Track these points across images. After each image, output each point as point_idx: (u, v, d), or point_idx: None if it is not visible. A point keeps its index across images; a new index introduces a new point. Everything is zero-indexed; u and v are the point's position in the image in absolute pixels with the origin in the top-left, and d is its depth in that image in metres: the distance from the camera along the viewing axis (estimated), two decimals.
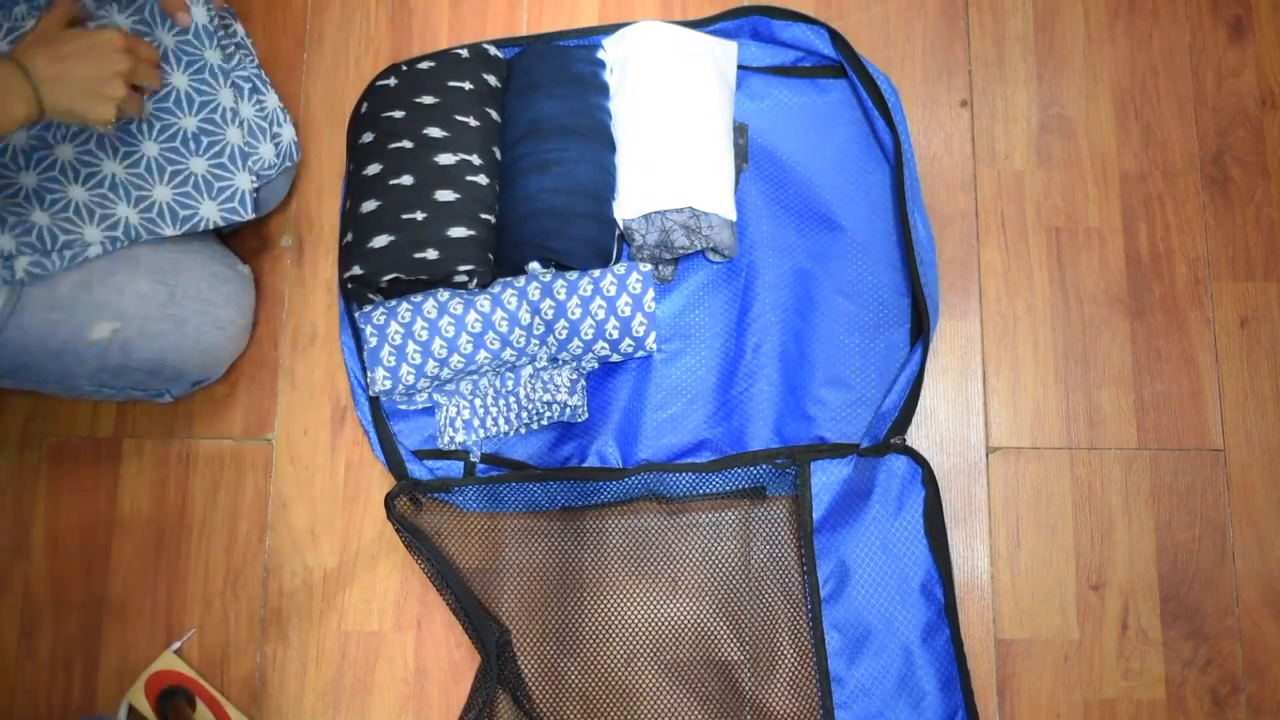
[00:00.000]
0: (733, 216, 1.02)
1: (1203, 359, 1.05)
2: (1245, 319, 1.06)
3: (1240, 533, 1.02)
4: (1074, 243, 1.08)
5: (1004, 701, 0.99)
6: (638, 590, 0.99)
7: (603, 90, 1.06)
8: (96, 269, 0.90)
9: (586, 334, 0.99)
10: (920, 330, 1.02)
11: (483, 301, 0.99)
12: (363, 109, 1.06)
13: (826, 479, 0.96)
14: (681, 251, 1.01)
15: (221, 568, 1.04)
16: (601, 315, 0.99)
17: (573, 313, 0.99)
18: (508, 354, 1.00)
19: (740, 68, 1.09)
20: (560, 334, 0.99)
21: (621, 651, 0.98)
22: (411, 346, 0.98)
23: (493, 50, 1.07)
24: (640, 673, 0.97)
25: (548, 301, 0.99)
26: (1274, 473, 1.03)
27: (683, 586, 1.00)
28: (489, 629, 0.95)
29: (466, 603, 0.95)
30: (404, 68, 1.05)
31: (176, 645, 1.02)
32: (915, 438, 1.04)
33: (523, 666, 0.98)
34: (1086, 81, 1.11)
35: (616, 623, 0.98)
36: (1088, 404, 1.04)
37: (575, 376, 1.01)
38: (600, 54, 1.08)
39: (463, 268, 0.97)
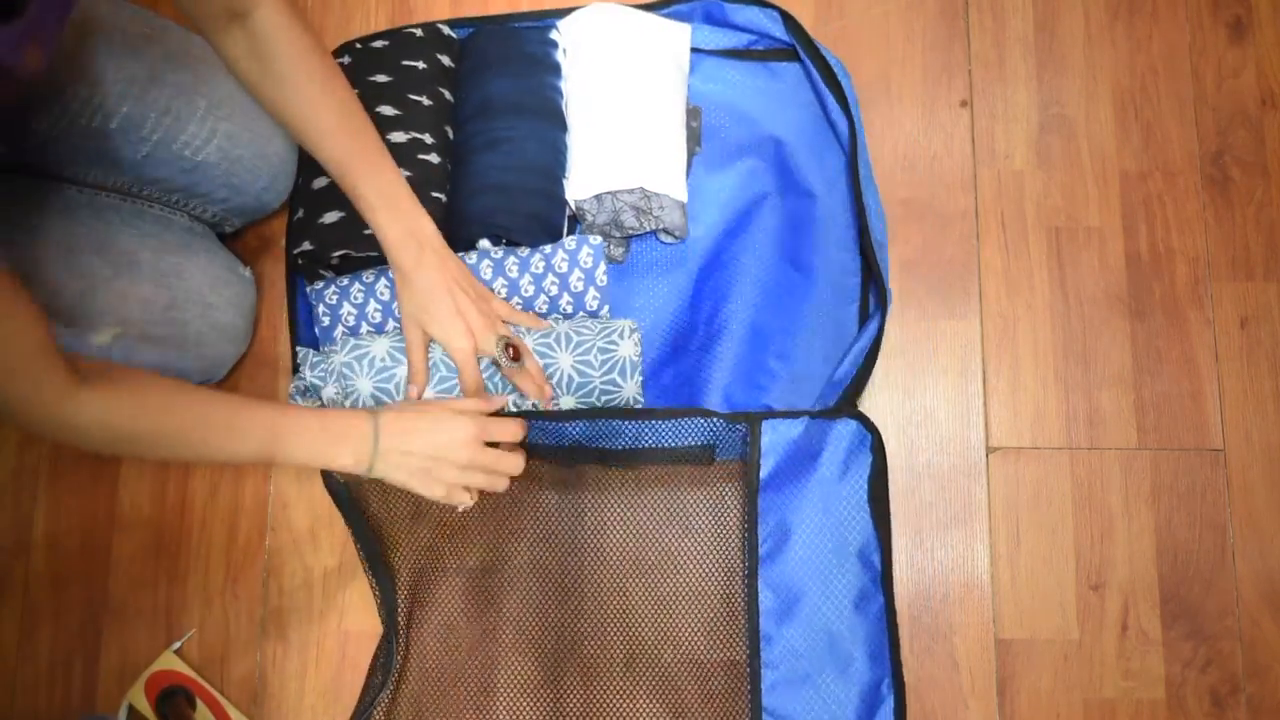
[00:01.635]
0: (683, 198, 1.02)
1: (1203, 359, 1.05)
2: (1245, 319, 1.06)
3: (1240, 533, 1.02)
4: (1074, 243, 1.08)
5: (1004, 701, 0.99)
6: (564, 553, 0.98)
7: (554, 70, 1.06)
8: (99, 275, 0.90)
9: (540, 310, 0.99)
10: (868, 310, 1.02)
11: None
12: None
13: (776, 438, 0.95)
14: (631, 232, 1.01)
15: (221, 568, 1.04)
16: (555, 291, 0.99)
17: (525, 290, 0.98)
18: None
19: (693, 50, 1.09)
20: None
21: (541, 616, 0.97)
22: (365, 328, 0.99)
23: (446, 30, 1.08)
24: (561, 632, 0.96)
25: (500, 280, 0.98)
26: (1274, 473, 1.03)
27: (613, 544, 0.98)
28: (389, 586, 0.95)
29: (370, 553, 0.95)
30: (358, 45, 1.06)
31: (176, 645, 1.02)
32: (915, 437, 1.04)
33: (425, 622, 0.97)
34: (1086, 81, 1.11)
35: (535, 587, 0.97)
36: (1088, 404, 1.04)
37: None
38: (553, 35, 1.08)
39: None
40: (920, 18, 1.13)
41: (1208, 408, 1.04)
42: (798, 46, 1.08)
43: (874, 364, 0.99)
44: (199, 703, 0.99)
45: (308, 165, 1.02)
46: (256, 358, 1.08)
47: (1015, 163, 1.09)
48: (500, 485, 0.89)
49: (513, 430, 0.89)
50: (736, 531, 0.96)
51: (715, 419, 0.94)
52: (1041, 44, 1.12)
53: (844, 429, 0.97)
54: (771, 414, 0.96)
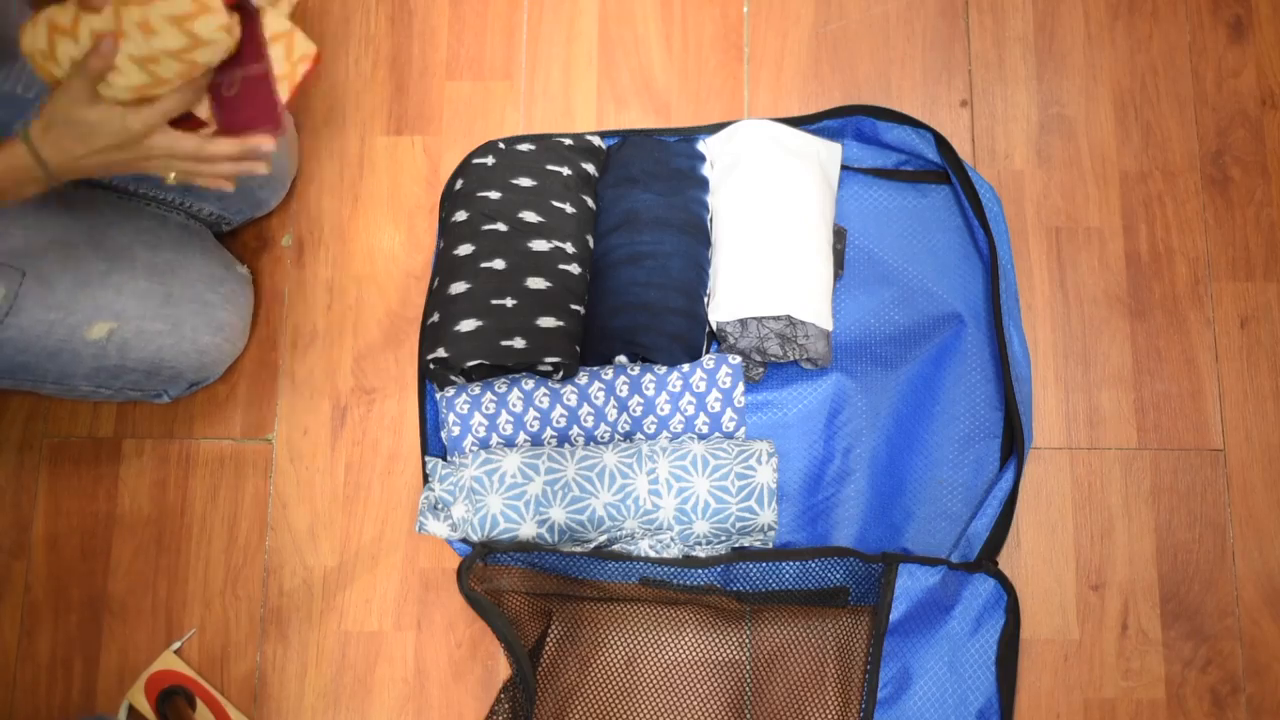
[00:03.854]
0: (829, 326, 0.99)
1: (1203, 359, 1.05)
2: (1245, 319, 1.06)
3: (1240, 533, 1.02)
4: (1074, 243, 1.08)
5: None
6: (692, 674, 0.98)
7: (701, 184, 1.04)
8: (94, 269, 0.90)
9: (675, 429, 0.97)
10: (1012, 445, 0.99)
11: (570, 395, 0.98)
12: (457, 185, 1.03)
13: (912, 583, 0.93)
14: (775, 359, 0.98)
15: (221, 568, 1.04)
16: (691, 411, 0.97)
17: (661, 408, 0.97)
18: (592, 450, 0.97)
19: (841, 168, 1.06)
20: (649, 429, 0.97)
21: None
22: (495, 439, 0.97)
23: (597, 141, 1.06)
24: None
25: (635, 398, 0.97)
26: (1274, 473, 1.03)
27: (736, 669, 0.98)
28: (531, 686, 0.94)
29: (523, 665, 0.93)
30: (502, 145, 1.04)
31: (176, 645, 1.02)
32: None
33: None
34: (1086, 81, 1.11)
35: (662, 704, 0.97)
36: (1088, 404, 1.04)
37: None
38: (700, 147, 1.06)
39: (549, 359, 0.95)
40: (920, 18, 1.13)
41: (1208, 408, 1.04)
42: (948, 169, 1.05)
43: (1012, 515, 0.97)
44: (199, 703, 0.99)
45: (443, 269, 0.98)
46: (254, 359, 1.08)
47: (1015, 163, 1.09)
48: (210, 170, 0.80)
49: (190, 99, 0.77)
50: (858, 671, 0.94)
51: (852, 559, 0.92)
52: (1041, 44, 1.12)
53: (981, 585, 0.95)
54: (909, 558, 0.93)
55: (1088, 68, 1.12)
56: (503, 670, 1.01)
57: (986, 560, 0.96)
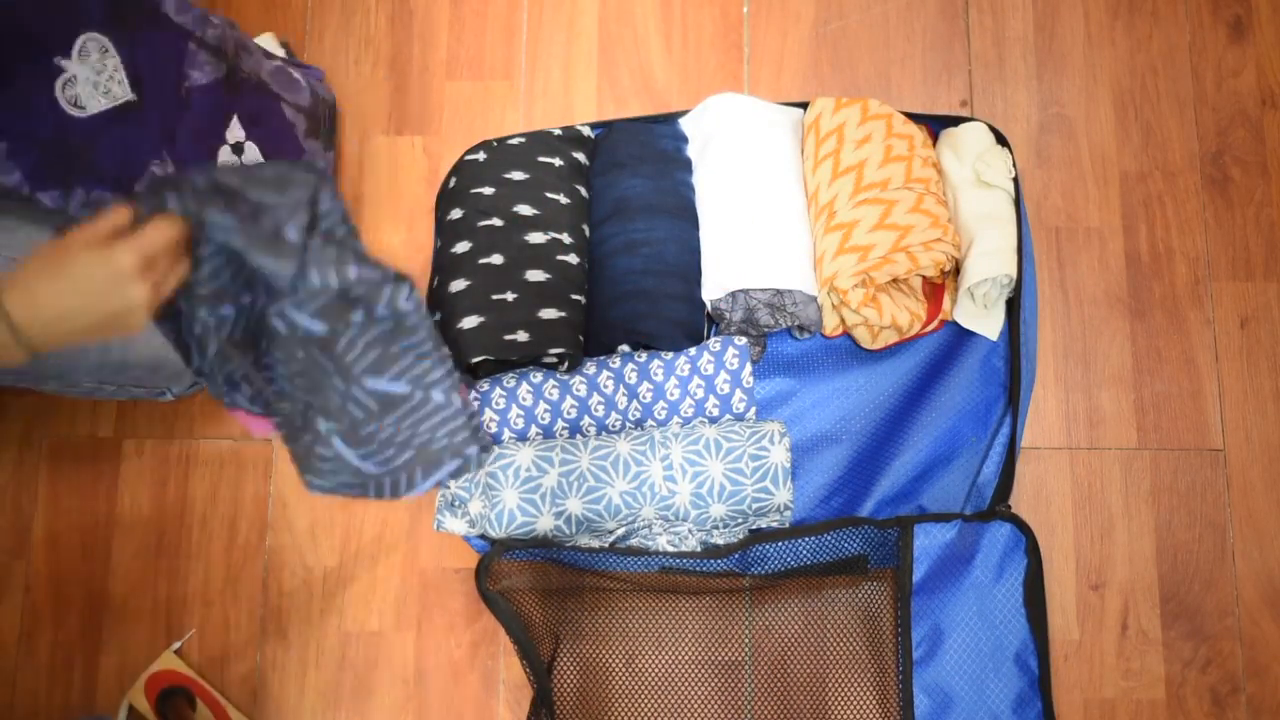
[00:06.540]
0: (815, 291, 1.00)
1: (1203, 359, 1.05)
2: (1245, 319, 1.06)
3: (1240, 533, 1.02)
4: (1074, 243, 1.08)
5: None
6: (716, 661, 0.98)
7: (686, 166, 1.05)
8: None
9: (686, 413, 0.97)
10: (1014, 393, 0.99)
11: (579, 385, 0.98)
12: (451, 184, 1.03)
13: (929, 541, 0.94)
14: (767, 329, 0.99)
15: (221, 568, 1.04)
16: (700, 394, 0.97)
17: (671, 394, 0.97)
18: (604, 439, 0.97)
19: None
20: (659, 414, 0.97)
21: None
22: (506, 434, 0.97)
23: (586, 130, 1.07)
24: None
25: (645, 385, 0.97)
26: (1274, 473, 1.03)
27: (766, 650, 0.98)
28: (545, 685, 0.93)
29: (534, 662, 0.93)
30: (494, 143, 1.04)
31: (176, 645, 1.02)
32: None
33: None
34: (1086, 81, 1.11)
35: (688, 693, 0.97)
36: (1088, 404, 1.04)
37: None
38: (683, 128, 1.07)
39: (554, 350, 0.95)
40: (920, 18, 1.13)
41: (1208, 408, 1.04)
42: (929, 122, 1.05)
43: (1016, 459, 0.97)
44: (199, 703, 0.99)
45: (442, 268, 0.99)
46: None
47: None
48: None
49: (167, 232, 0.64)
50: (889, 636, 0.95)
51: (868, 526, 0.93)
52: (1041, 44, 1.12)
53: (998, 532, 0.96)
54: (924, 517, 0.94)
55: (1088, 68, 1.12)
56: (503, 671, 1.01)
57: (1000, 506, 0.97)
